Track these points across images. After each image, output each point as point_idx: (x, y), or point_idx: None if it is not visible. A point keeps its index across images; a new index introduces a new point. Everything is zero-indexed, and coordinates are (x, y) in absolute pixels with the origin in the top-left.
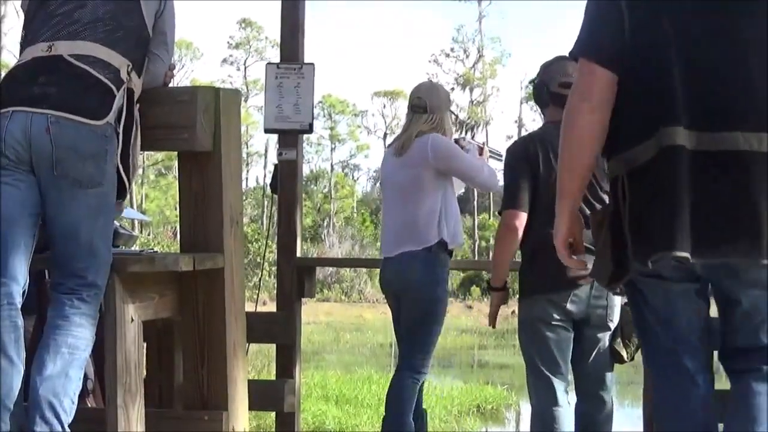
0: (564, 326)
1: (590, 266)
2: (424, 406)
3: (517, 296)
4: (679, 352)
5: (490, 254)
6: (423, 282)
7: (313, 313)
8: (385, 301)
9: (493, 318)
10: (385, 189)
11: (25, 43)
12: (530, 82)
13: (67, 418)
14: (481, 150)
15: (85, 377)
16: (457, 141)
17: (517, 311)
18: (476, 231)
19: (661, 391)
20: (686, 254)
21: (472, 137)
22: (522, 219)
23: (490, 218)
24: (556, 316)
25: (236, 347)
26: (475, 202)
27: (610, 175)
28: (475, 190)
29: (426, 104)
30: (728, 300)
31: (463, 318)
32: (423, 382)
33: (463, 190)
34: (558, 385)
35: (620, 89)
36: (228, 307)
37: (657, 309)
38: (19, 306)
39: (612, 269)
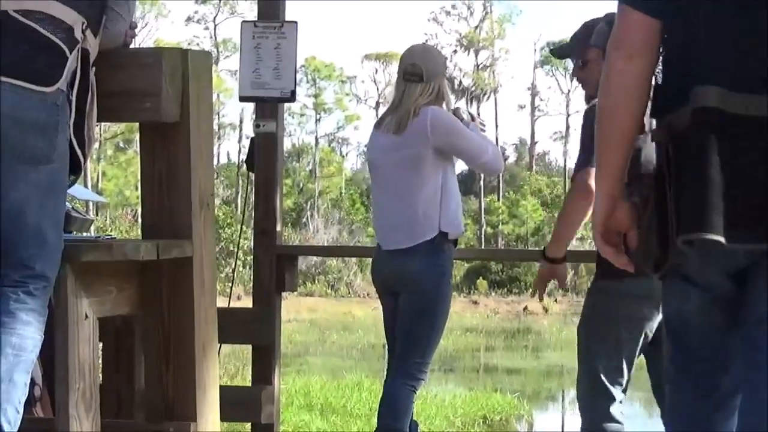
0: None
1: None
2: (420, 417)
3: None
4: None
5: (499, 242)
6: (424, 275)
7: (294, 309)
8: (377, 296)
9: (541, 292)
10: (375, 174)
11: None
12: (548, 46)
13: (11, 429)
14: (472, 118)
15: (32, 383)
16: (453, 112)
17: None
18: (482, 215)
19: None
20: (719, 237)
21: (478, 108)
22: None
23: (498, 200)
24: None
25: (206, 348)
26: (482, 182)
27: (656, 142)
28: None
29: (422, 71)
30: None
31: (468, 315)
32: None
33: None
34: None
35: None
36: (197, 303)
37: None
38: None
39: (658, 253)
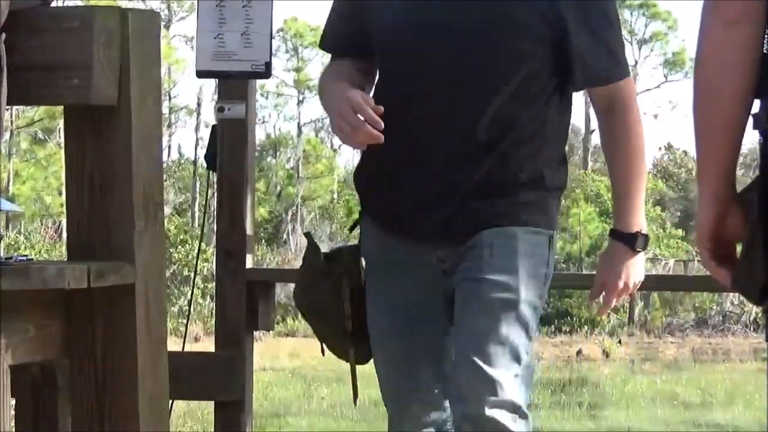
0: None
1: None
2: None
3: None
4: None
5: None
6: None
7: (271, 354)
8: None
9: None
10: None
11: None
12: None
13: None
14: None
15: None
16: None
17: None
18: None
19: None
20: None
21: None
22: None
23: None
24: None
25: (153, 406)
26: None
27: (760, 130)
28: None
29: None
30: None
31: None
32: None
33: None
34: None
35: None
36: (141, 345)
37: None
38: None
39: (764, 279)
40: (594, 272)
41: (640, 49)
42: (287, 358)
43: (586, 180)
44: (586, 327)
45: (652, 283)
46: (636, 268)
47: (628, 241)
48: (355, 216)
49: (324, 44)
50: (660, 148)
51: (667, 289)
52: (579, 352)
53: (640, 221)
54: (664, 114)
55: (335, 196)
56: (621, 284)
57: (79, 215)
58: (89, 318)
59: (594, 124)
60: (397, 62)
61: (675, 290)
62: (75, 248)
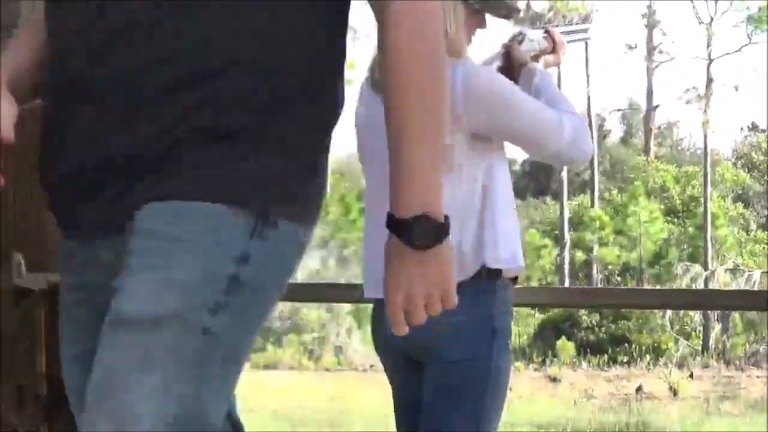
0: None
1: None
2: None
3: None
4: None
5: (595, 277)
6: (463, 337)
7: (249, 390)
8: (384, 369)
9: None
10: (369, 170)
11: None
12: None
13: None
14: (553, 42)
15: None
16: (507, 51)
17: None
18: (565, 231)
19: None
20: None
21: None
22: None
23: (591, 204)
24: None
25: None
26: (563, 175)
27: None
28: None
29: None
30: None
31: (543, 400)
32: None
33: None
34: None
35: None
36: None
37: None
38: None
39: None
40: (659, 287)
41: (716, 2)
42: (266, 396)
43: (648, 169)
44: (648, 357)
45: (731, 299)
46: (422, 271)
47: (401, 230)
48: (356, 216)
49: None
50: (741, 129)
51: (750, 308)
52: (639, 389)
53: (421, 198)
54: (747, 85)
55: (328, 189)
56: (397, 298)
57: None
58: None
59: (658, 98)
60: None
61: (759, 310)
62: None
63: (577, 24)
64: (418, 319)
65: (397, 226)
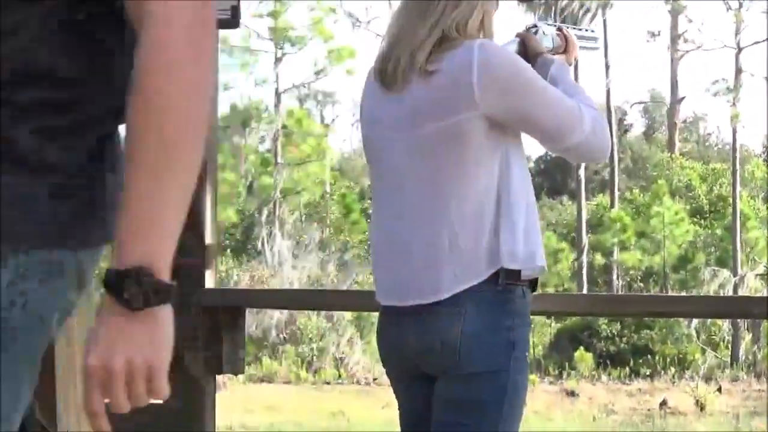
0: None
1: None
2: None
3: None
4: None
5: (616, 283)
6: (477, 347)
7: (242, 404)
8: (390, 383)
9: None
10: (376, 166)
11: None
12: None
13: None
14: (566, 40)
15: None
16: (523, 40)
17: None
18: (583, 234)
19: None
20: None
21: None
22: None
23: (612, 205)
24: None
25: None
26: (581, 172)
27: None
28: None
29: None
30: None
31: (559, 415)
32: None
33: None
34: None
35: None
36: (61, 389)
37: None
38: None
39: None
40: (685, 293)
41: None
42: (262, 410)
43: (672, 166)
44: (673, 369)
45: (762, 307)
46: (128, 337)
47: (113, 286)
48: (355, 215)
49: None
50: None
51: None
52: (663, 404)
53: (147, 246)
54: None
55: (327, 188)
56: (94, 365)
57: None
58: None
59: (683, 90)
60: None
61: None
62: None
63: (586, 30)
64: (117, 403)
65: (107, 277)
